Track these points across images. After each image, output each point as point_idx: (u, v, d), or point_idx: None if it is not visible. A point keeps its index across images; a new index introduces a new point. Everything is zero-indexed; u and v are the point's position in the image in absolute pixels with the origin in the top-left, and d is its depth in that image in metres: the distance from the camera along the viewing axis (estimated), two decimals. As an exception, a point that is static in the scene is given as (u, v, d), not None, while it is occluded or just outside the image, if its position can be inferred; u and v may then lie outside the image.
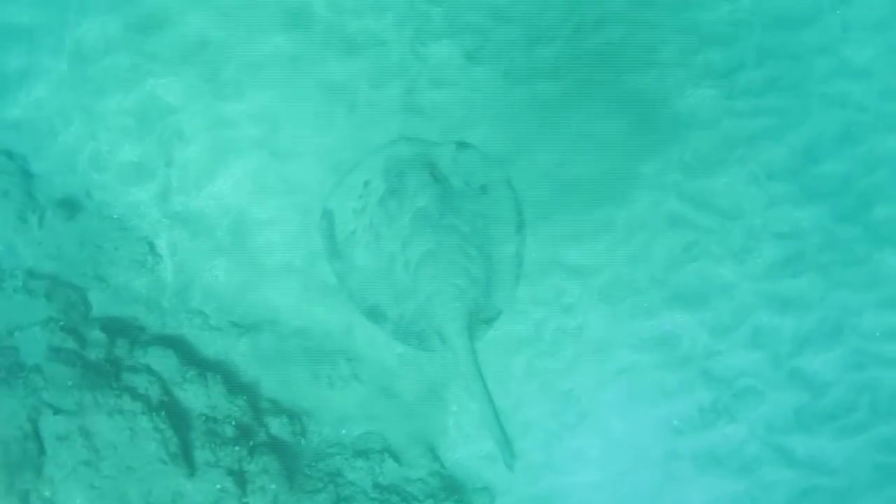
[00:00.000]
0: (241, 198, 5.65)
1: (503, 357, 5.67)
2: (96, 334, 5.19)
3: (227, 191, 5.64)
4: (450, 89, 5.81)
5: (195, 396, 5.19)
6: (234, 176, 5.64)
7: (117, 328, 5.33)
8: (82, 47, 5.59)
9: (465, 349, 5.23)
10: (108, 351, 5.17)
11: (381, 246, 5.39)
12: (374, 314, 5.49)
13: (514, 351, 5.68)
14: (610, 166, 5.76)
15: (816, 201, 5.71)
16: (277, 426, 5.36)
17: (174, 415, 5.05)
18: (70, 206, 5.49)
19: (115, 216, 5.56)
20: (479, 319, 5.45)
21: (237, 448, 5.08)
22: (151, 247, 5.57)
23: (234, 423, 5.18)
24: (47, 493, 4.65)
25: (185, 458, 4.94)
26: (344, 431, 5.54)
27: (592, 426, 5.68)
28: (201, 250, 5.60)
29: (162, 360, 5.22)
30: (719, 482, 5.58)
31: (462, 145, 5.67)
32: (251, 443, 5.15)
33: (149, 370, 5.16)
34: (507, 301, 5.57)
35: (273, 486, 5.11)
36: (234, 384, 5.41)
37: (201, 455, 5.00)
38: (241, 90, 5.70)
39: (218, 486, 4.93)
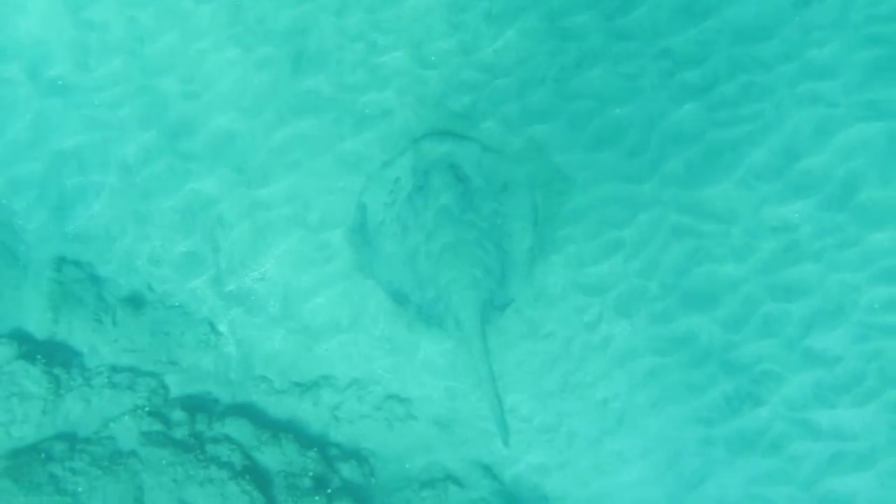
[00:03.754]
0: (284, 271, 6.27)
1: (539, 377, 6.25)
2: (178, 414, 5.83)
3: (271, 267, 6.27)
4: (454, 143, 6.39)
5: (272, 456, 5.82)
6: (275, 253, 6.27)
7: (195, 405, 5.99)
8: (126, 160, 6.26)
9: (475, 332, 5.62)
10: (191, 427, 5.81)
11: (407, 237, 5.90)
12: (399, 297, 6.01)
13: (547, 370, 6.25)
14: (610, 192, 6.30)
15: (803, 194, 6.20)
16: (349, 470, 5.97)
17: (257, 475, 5.69)
18: (136, 302, 6.15)
19: (176, 304, 6.22)
20: (492, 306, 5.91)
21: (317, 497, 5.70)
22: (213, 327, 6.21)
23: (310, 474, 5.79)
24: (162, 561, 5.31)
25: (274, 512, 5.58)
26: (408, 465, 6.14)
27: (630, 428, 6.24)
28: (257, 323, 6.24)
29: (238, 428, 5.87)
30: (753, 462, 6.10)
31: (487, 148, 6.18)
32: (328, 490, 5.77)
33: (228, 439, 5.80)
34: (520, 291, 6.06)
35: (354, 525, 5.73)
36: (305, 439, 6.04)
37: (287, 508, 5.64)
38: (270, 175, 6.33)
39: (307, 533, 5.56)
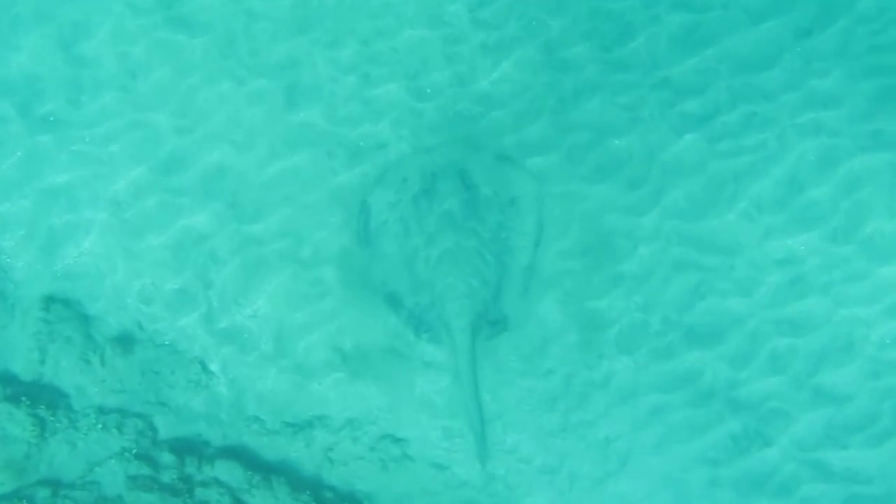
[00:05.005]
0: (277, 307, 6.13)
1: (539, 416, 6.04)
2: (166, 456, 5.67)
3: (264, 303, 6.14)
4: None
5: (263, 500, 5.64)
6: (267, 289, 6.14)
7: (184, 447, 5.82)
8: (116, 196, 6.18)
9: (464, 342, 5.56)
10: (180, 470, 5.64)
11: (408, 239, 5.83)
12: (393, 300, 5.90)
13: (547, 409, 6.04)
14: (611, 225, 6.15)
15: (808, 226, 6.03)
16: (343, 515, 5.79)
17: (247, 521, 5.50)
18: (126, 341, 6.02)
19: (167, 343, 6.08)
20: (485, 320, 5.79)
21: (309, 543, 5.51)
22: (204, 366, 6.06)
23: (302, 519, 5.61)
24: None
25: (264, 560, 5.38)
26: (404, 509, 5.95)
27: (634, 469, 6.00)
28: (249, 362, 6.08)
29: (228, 471, 5.69)
30: (762, 505, 5.86)
31: (501, 158, 6.12)
32: (321, 535, 5.58)
33: (218, 482, 5.63)
34: (514, 307, 5.93)
35: (348, 573, 5.52)
36: (297, 481, 5.85)
37: (278, 554, 5.45)
38: (262, 210, 6.23)
39: (298, 581, 5.36)
